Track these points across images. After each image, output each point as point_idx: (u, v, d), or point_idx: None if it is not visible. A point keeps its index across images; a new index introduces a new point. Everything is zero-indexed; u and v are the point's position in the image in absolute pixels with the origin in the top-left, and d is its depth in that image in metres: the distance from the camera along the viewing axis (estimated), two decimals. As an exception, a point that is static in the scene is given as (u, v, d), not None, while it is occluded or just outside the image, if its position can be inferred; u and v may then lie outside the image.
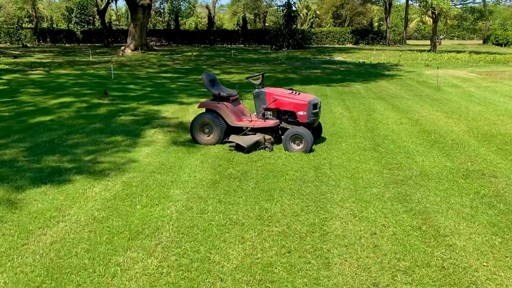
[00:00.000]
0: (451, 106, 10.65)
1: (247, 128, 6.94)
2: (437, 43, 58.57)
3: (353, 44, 53.87)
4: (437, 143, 7.10)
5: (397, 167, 5.86)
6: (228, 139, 6.70)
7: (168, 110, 9.92)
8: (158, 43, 50.65)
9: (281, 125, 6.97)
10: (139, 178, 5.39)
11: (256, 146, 6.61)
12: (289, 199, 4.80)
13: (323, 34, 55.36)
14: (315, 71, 20.52)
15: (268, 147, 6.63)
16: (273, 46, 43.88)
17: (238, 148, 6.60)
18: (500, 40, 52.03)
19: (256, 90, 7.00)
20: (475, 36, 72.47)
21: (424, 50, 38.17)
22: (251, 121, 6.97)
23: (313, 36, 53.16)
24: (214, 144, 6.94)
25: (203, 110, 7.16)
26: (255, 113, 7.20)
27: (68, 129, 7.96)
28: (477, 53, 33.63)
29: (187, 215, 4.38)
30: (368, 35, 55.40)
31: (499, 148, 6.82)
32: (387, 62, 25.91)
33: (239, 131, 7.03)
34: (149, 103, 10.84)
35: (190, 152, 6.59)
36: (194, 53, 33.48)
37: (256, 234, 4.01)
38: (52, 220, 4.25)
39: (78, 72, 19.31)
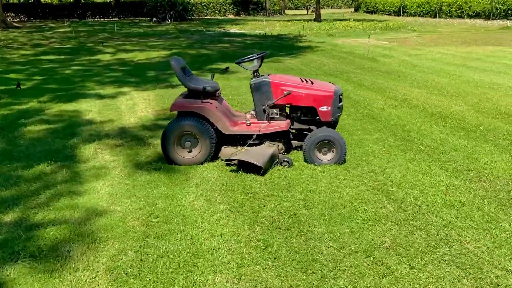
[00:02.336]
0: (414, 79, 9.59)
1: (251, 136, 4.83)
2: (313, 12, 59.99)
3: (235, 15, 52.32)
4: (472, 132, 5.77)
5: (477, 177, 4.33)
6: (231, 157, 4.54)
7: (90, 110, 7.18)
8: (17, 19, 43.23)
9: (291, 127, 5.01)
10: (129, 263, 3.03)
11: (271, 162, 4.59)
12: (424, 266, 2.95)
13: (203, 5, 52.78)
14: (224, 45, 18.44)
15: (288, 162, 4.64)
16: (154, 19, 40.34)
17: (244, 166, 4.50)
18: (370, 7, 54.78)
19: (255, 79, 4.89)
20: (343, 4, 76.02)
21: (310, 20, 38.09)
22: (250, 124, 4.88)
23: (193, 7, 50.32)
24: (200, 163, 4.72)
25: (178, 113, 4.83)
26: (252, 112, 5.11)
27: None
28: (359, 20, 34.40)
29: None
30: (248, 5, 54.30)
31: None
32: (288, 33, 24.77)
33: (233, 140, 4.90)
34: (55, 100, 7.86)
35: (176, 183, 4.31)
36: (70, 29, 28.69)
37: None
38: None
39: None
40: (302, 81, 4.95)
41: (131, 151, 5.18)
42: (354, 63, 12.39)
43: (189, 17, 42.80)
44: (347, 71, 11.00)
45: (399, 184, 4.18)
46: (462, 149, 5.10)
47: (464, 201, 3.82)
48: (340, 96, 4.87)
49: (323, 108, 4.82)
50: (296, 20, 38.42)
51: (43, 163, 4.72)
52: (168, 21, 39.13)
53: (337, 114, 4.93)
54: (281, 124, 4.87)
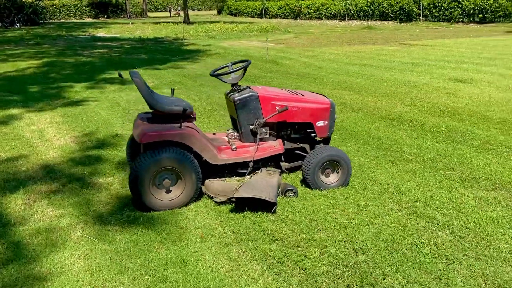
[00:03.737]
0: (332, 81, 9.47)
1: (242, 164, 3.93)
2: (176, 14, 58.81)
3: (93, 19, 48.53)
4: (437, 134, 5.64)
5: (491, 185, 4.09)
6: (234, 195, 3.58)
7: (-19, 143, 5.42)
8: None
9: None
10: None
11: (278, 193, 3.78)
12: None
13: (55, 8, 47.88)
14: (101, 50, 16.59)
15: (293, 190, 3.87)
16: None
17: (243, 202, 3.61)
18: (233, 10, 55.65)
19: (239, 94, 4.00)
20: (203, 7, 76.20)
21: (179, 22, 37.01)
22: (236, 149, 3.98)
23: (44, 10, 45.35)
24: (181, 207, 3.70)
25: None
26: (231, 133, 4.21)
27: None
28: (233, 22, 34.50)
29: None
30: (108, 8, 50.89)
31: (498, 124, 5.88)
32: (165, 36, 23.52)
33: (219, 171, 3.96)
34: None
35: (172, 239, 3.24)
36: None
37: None
38: None
39: None
40: (292, 94, 4.22)
41: (79, 199, 3.87)
42: (261, 67, 11.95)
43: (41, 21, 38.54)
44: (261, 75, 10.48)
45: (427, 204, 3.72)
46: (447, 154, 4.90)
47: (506, 215, 3.51)
48: (334, 107, 4.27)
49: (320, 123, 4.17)
50: (164, 22, 37.03)
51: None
52: (17, 25, 34.51)
53: (332, 129, 4.32)
54: (275, 146, 4.08)
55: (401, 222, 3.42)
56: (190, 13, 66.06)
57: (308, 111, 4.09)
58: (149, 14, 57.50)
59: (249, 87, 4.13)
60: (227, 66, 4.22)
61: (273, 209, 3.55)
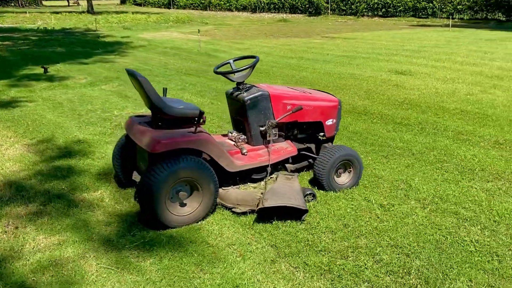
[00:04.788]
0: (278, 75, 9.36)
1: (258, 170, 3.62)
2: (75, 3, 54.81)
3: (-23, 6, 43.44)
4: (411, 127, 5.77)
5: (491, 176, 4.23)
6: (264, 204, 3.23)
7: None
8: None
9: (288, 148, 4.00)
10: None
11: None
12: None
13: None
14: (5, 42, 14.81)
15: (312, 194, 3.65)
16: None
17: (265, 211, 3.32)
18: (138, 0, 53.41)
19: (248, 94, 3.67)
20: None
21: (82, 12, 34.52)
22: (246, 153, 3.66)
23: None
24: (199, 221, 3.31)
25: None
26: (235, 135, 3.86)
27: None
28: (143, 13, 32.98)
29: None
30: (-4, -5, 45.85)
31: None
32: (74, 27, 21.74)
33: (230, 178, 3.61)
34: None
35: (206, 260, 2.86)
36: None
37: None
38: None
39: None
40: (300, 92, 3.99)
41: (72, 220, 3.28)
42: (197, 60, 11.48)
43: None
44: (202, 69, 10.05)
45: (444, 199, 3.72)
46: (432, 146, 5.01)
47: (522, 206, 3.63)
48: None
49: (329, 122, 4.00)
50: (65, 12, 34.29)
51: None
52: None
53: (338, 127, 4.17)
54: (287, 148, 3.83)
55: (432, 220, 3.37)
56: (94, 2, 62.09)
57: (318, 109, 3.89)
58: (44, 3, 52.94)
59: (254, 86, 3.82)
60: (228, 63, 3.85)
61: (303, 216, 3.31)
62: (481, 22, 25.55)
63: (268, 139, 3.76)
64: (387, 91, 7.75)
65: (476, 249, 3.00)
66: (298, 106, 3.72)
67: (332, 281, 2.66)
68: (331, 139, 4.19)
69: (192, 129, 3.29)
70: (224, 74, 3.71)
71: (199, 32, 14.41)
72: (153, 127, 3.31)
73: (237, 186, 3.59)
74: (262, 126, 3.72)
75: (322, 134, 4.04)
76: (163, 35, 18.27)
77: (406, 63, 10.55)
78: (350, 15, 32.21)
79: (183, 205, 3.27)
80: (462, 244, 3.05)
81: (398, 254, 2.93)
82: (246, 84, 3.76)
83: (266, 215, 3.29)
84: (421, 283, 2.64)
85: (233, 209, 3.41)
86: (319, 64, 10.74)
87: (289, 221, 3.30)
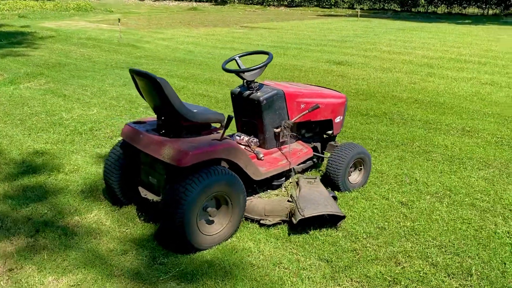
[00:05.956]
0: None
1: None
2: None
3: None
4: (383, 116, 5.84)
5: (485, 164, 4.40)
6: (305, 215, 2.93)
7: None
8: None
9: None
10: None
11: (331, 203, 3.32)
12: None
13: None
14: None
15: (335, 197, 3.46)
16: None
17: (300, 223, 3.07)
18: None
19: (262, 93, 3.34)
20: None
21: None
22: (263, 157, 3.35)
23: None
24: (228, 239, 2.95)
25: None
26: (245, 138, 3.51)
27: None
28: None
29: None
30: None
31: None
32: (-44, 13, 19.01)
33: (249, 186, 3.28)
34: None
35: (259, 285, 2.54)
36: None
37: None
38: None
39: None
40: (313, 88, 3.77)
41: (78, 253, 2.71)
42: (122, 51, 10.62)
43: None
44: (135, 62, 9.30)
45: (454, 191, 3.75)
46: (411, 137, 5.07)
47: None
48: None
49: (337, 119, 3.83)
50: None
51: None
52: None
53: (343, 123, 4.02)
54: (302, 149, 3.58)
55: (457, 214, 3.37)
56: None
57: (330, 107, 3.69)
58: None
59: (264, 84, 3.50)
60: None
61: (339, 223, 3.10)
62: (380, 12, 27.29)
63: (281, 140, 3.48)
64: (335, 82, 7.80)
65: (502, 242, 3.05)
66: (314, 104, 3.48)
67: (402, 294, 2.50)
68: (334, 137, 4.03)
69: (217, 136, 2.89)
70: (236, 72, 3.33)
71: (119, 21, 13.34)
72: (170, 136, 2.85)
73: (259, 195, 3.27)
74: (276, 128, 3.43)
75: (330, 132, 3.85)
76: (69, 24, 16.71)
77: (339, 54, 10.77)
78: (256, 4, 32.42)
79: (210, 222, 2.88)
80: (497, 237, 3.08)
81: (450, 254, 2.86)
82: (256, 82, 3.42)
83: (294, 224, 3.03)
84: (485, 284, 2.59)
85: (261, 221, 3.09)
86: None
87: (324, 229, 3.08)
